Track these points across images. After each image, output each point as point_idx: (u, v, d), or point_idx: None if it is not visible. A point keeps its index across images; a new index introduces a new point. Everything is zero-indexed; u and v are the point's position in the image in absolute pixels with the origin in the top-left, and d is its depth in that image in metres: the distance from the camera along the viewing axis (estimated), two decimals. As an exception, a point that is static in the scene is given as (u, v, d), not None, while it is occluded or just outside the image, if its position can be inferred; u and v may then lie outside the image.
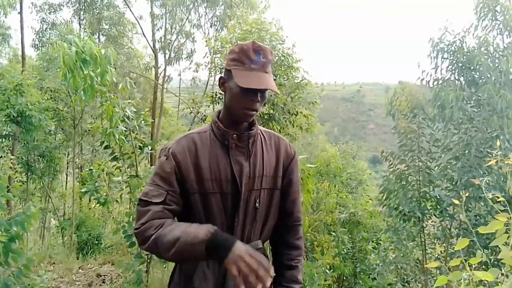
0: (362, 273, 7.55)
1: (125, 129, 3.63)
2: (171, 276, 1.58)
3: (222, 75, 1.48)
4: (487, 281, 1.67)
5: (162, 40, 16.35)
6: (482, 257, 1.60)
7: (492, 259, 4.03)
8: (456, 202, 1.73)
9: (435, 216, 5.78)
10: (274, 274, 1.54)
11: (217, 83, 1.52)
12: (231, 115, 1.46)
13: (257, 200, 1.47)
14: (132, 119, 3.69)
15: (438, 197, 5.47)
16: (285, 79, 7.57)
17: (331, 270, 6.04)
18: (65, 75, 3.13)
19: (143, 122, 3.78)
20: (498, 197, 1.72)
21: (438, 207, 5.58)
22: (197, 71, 16.44)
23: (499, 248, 1.58)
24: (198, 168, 1.42)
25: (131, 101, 3.83)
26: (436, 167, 5.77)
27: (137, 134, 3.80)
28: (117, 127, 3.51)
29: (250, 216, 1.47)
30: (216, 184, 1.42)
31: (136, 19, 15.85)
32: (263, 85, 1.37)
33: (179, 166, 1.41)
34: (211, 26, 16.02)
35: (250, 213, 1.47)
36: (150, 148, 3.84)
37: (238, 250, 1.19)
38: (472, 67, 5.54)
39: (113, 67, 3.49)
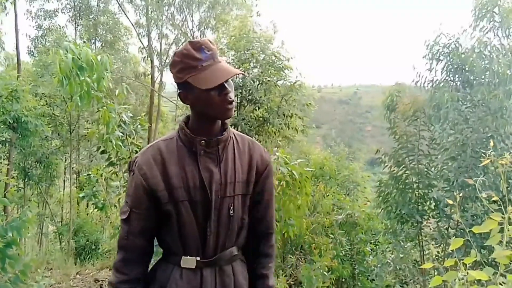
0: (360, 275, 7.55)
1: (122, 134, 3.63)
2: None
3: (180, 90, 1.40)
4: (485, 281, 1.68)
5: (154, 46, 16.39)
6: (476, 257, 1.61)
7: (490, 259, 4.04)
8: (451, 202, 1.74)
9: (432, 217, 5.80)
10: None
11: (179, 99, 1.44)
12: (205, 120, 1.41)
13: (231, 207, 1.42)
14: (128, 124, 3.69)
15: (437, 198, 5.50)
16: (278, 79, 7.60)
17: (329, 272, 6.04)
18: (61, 82, 3.13)
19: (139, 126, 3.78)
20: (493, 197, 1.73)
21: (436, 208, 5.60)
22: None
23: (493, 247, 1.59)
24: (166, 177, 1.37)
25: (127, 106, 3.84)
26: (433, 168, 5.79)
27: (133, 139, 3.80)
28: (114, 132, 3.51)
29: (224, 224, 1.42)
30: (185, 192, 1.37)
31: (132, 25, 15.88)
32: (227, 75, 1.32)
33: (146, 178, 1.36)
34: (198, 29, 15.99)
35: (224, 221, 1.42)
36: None
37: None
38: (467, 68, 5.57)
39: (109, 73, 3.49)
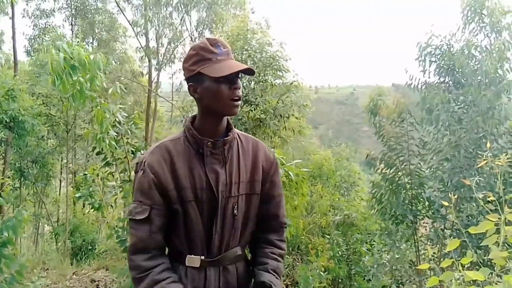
0: (357, 275, 7.58)
1: (116, 134, 3.61)
2: None
3: (190, 83, 1.42)
4: (481, 281, 1.69)
5: (151, 46, 16.34)
6: (472, 257, 1.61)
7: (486, 259, 4.06)
8: (446, 203, 1.75)
9: (428, 217, 5.82)
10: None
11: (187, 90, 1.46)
12: (213, 116, 1.42)
13: (235, 206, 1.45)
14: (123, 124, 3.67)
15: (430, 198, 5.52)
16: (275, 79, 7.60)
17: (326, 273, 6.06)
18: (54, 82, 3.12)
19: (133, 125, 3.76)
20: (488, 197, 1.73)
21: (430, 208, 5.62)
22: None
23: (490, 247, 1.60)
24: (175, 177, 1.39)
25: (122, 106, 3.82)
26: (428, 169, 5.82)
27: (128, 138, 3.78)
28: (108, 132, 3.50)
29: (228, 223, 1.44)
30: (192, 192, 1.39)
31: (130, 24, 15.82)
32: (240, 67, 1.36)
33: (158, 177, 1.38)
34: (196, 29, 15.97)
35: (228, 220, 1.44)
36: (142, 153, 3.82)
37: None
38: (458, 69, 5.61)
39: (104, 72, 3.47)
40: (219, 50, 1.37)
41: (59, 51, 3.04)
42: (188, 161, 1.41)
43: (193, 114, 1.51)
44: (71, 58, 3.09)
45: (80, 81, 3.17)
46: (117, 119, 3.62)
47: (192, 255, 1.43)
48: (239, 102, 1.41)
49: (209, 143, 1.41)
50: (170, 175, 1.39)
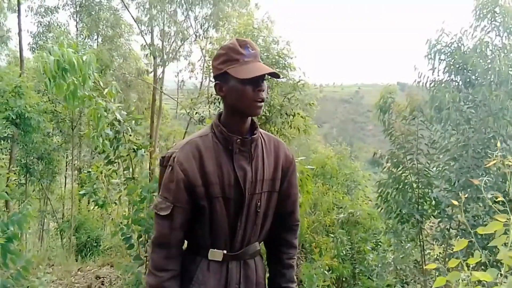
0: (361, 274, 7.55)
1: (110, 133, 3.60)
2: None
3: (217, 81, 1.47)
4: (486, 281, 1.67)
5: (156, 43, 16.32)
6: (480, 258, 1.60)
7: (491, 260, 4.03)
8: (455, 203, 1.74)
9: (434, 217, 5.79)
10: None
11: (213, 88, 1.52)
12: (238, 114, 1.45)
13: (258, 203, 1.49)
14: (123, 122, 3.67)
15: (437, 198, 5.48)
16: (281, 77, 7.59)
17: (330, 271, 6.04)
18: (46, 84, 3.14)
19: (133, 122, 3.75)
20: (496, 197, 1.72)
21: (437, 208, 5.58)
22: (192, 71, 16.39)
23: (498, 248, 1.58)
24: (204, 173, 1.42)
25: (120, 104, 3.82)
26: (434, 168, 5.77)
27: (130, 135, 3.77)
28: (103, 131, 3.50)
29: (251, 219, 1.49)
30: (220, 188, 1.43)
31: (135, 21, 15.82)
32: (266, 70, 1.39)
33: (186, 174, 1.41)
34: (201, 27, 15.94)
35: (251, 217, 1.49)
36: (143, 151, 3.80)
37: None
38: (469, 68, 5.55)
39: (95, 73, 3.46)
40: (247, 52, 1.40)
41: (50, 54, 3.05)
42: (217, 157, 1.44)
43: (220, 111, 1.54)
44: (63, 61, 3.09)
45: (74, 83, 3.18)
46: (116, 118, 3.61)
47: (215, 249, 1.47)
48: (263, 104, 1.44)
49: (238, 140, 1.44)
50: (199, 172, 1.42)
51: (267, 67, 1.42)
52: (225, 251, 1.47)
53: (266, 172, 1.51)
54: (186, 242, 1.55)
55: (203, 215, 1.44)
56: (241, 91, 1.39)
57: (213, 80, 1.49)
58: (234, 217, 1.45)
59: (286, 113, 7.36)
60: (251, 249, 1.53)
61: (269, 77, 1.45)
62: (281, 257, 1.63)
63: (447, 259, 5.34)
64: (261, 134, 1.56)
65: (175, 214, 1.42)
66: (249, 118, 1.49)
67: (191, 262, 1.50)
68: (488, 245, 1.72)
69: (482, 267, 3.41)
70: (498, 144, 1.77)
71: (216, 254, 1.47)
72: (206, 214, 1.44)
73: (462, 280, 1.62)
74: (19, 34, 11.42)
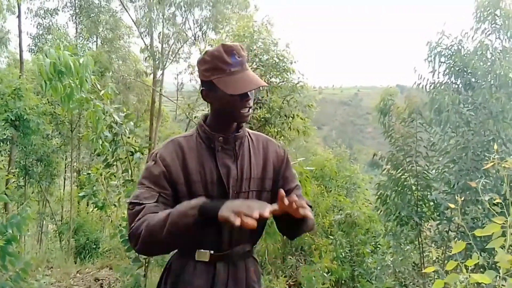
0: (360, 277, 7.55)
1: (109, 135, 3.60)
2: (158, 283, 1.56)
3: (203, 87, 1.44)
4: (484, 283, 1.68)
5: (155, 45, 16.32)
6: (478, 260, 1.60)
7: (490, 262, 4.04)
8: (452, 206, 1.74)
9: (433, 219, 5.79)
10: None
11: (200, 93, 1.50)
12: (223, 120, 1.44)
13: None
14: (121, 124, 3.67)
15: (436, 200, 5.48)
16: (281, 80, 7.60)
17: (329, 274, 6.04)
18: (42, 86, 3.15)
19: (132, 123, 3.75)
20: (494, 200, 1.72)
21: (436, 210, 5.58)
22: (192, 73, 16.39)
23: (496, 250, 1.59)
24: (186, 171, 1.41)
25: (118, 106, 3.82)
26: (434, 170, 5.78)
27: (128, 138, 3.77)
28: (102, 133, 3.50)
29: None
30: (202, 186, 1.41)
31: (134, 23, 15.84)
32: (253, 85, 1.37)
33: (169, 170, 1.40)
34: (200, 29, 15.94)
35: None
36: (140, 154, 3.79)
37: (231, 203, 1.22)
38: (469, 71, 5.56)
39: (92, 75, 3.46)
40: (234, 60, 1.37)
41: (47, 56, 3.06)
42: (199, 156, 1.43)
43: (205, 113, 1.54)
44: (59, 64, 3.09)
45: (70, 85, 3.18)
46: (114, 120, 3.62)
47: (202, 249, 1.44)
48: (250, 112, 1.43)
49: (220, 138, 1.43)
50: (181, 170, 1.40)
51: (256, 79, 1.39)
52: (212, 251, 1.44)
53: (254, 170, 1.48)
54: None
55: None
56: (228, 102, 1.38)
57: (199, 81, 1.47)
58: None
59: (285, 115, 7.37)
60: (240, 250, 1.49)
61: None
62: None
63: (446, 261, 5.34)
64: (248, 133, 1.55)
65: (161, 203, 1.35)
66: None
67: (178, 262, 1.48)
68: (486, 247, 1.73)
69: (481, 269, 3.41)
70: (495, 147, 1.78)
71: (202, 255, 1.44)
72: None
73: (461, 282, 1.63)
74: (19, 36, 11.44)
